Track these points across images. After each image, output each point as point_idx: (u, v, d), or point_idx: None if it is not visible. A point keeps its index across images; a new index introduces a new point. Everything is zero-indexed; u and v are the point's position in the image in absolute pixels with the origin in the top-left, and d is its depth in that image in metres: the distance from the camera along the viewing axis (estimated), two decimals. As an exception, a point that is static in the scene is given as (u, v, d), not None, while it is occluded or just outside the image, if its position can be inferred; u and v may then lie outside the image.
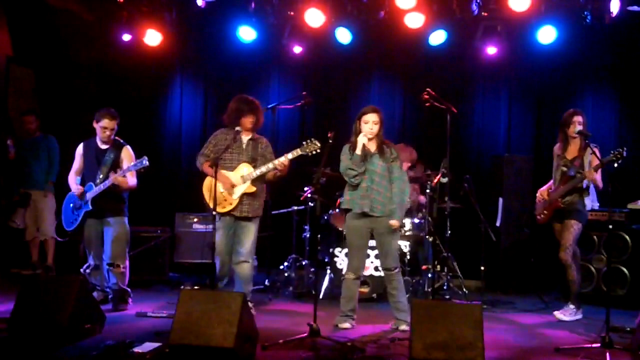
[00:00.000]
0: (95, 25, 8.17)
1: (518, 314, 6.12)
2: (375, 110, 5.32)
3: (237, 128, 5.59)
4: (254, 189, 5.58)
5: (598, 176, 5.62)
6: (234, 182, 5.56)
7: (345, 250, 6.45)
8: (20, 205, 7.49)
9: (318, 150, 5.42)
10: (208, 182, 5.70)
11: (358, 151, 5.22)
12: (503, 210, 7.52)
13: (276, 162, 5.52)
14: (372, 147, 5.34)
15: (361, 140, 5.23)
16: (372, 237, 5.44)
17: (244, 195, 5.58)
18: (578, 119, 5.78)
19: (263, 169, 5.56)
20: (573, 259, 5.77)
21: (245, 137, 5.70)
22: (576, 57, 7.85)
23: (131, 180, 5.80)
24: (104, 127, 5.75)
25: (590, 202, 5.89)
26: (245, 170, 5.59)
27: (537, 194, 6.09)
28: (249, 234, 5.65)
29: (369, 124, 5.26)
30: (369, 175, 5.26)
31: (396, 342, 4.70)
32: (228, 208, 5.55)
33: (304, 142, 5.49)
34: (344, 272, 6.19)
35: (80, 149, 5.97)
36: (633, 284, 6.51)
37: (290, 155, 5.50)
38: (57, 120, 7.97)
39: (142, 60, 8.38)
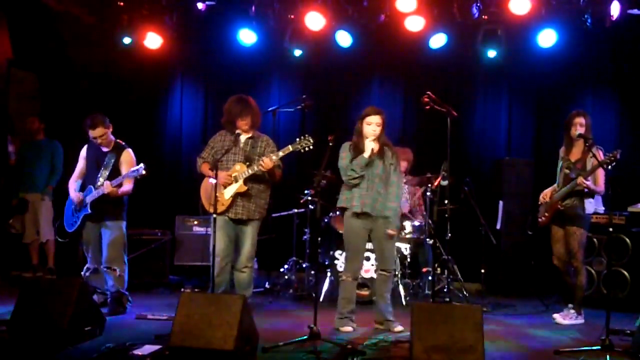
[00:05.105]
0: (96, 29, 8.17)
1: (518, 317, 6.11)
2: (378, 112, 5.25)
3: (237, 131, 5.58)
4: (245, 188, 5.44)
5: (589, 182, 5.49)
6: (226, 182, 5.43)
7: (346, 252, 6.45)
8: (18, 211, 7.49)
9: (311, 147, 5.28)
10: (204, 183, 5.69)
11: (366, 155, 5.16)
12: (503, 213, 7.53)
13: (260, 163, 5.37)
14: (374, 148, 5.28)
15: (370, 145, 5.18)
16: (368, 240, 5.41)
17: (238, 195, 5.46)
18: (580, 120, 5.69)
19: (255, 168, 5.41)
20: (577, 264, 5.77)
21: (244, 137, 5.64)
22: (576, 61, 7.87)
23: (125, 187, 5.69)
24: (93, 137, 5.73)
25: (594, 205, 5.83)
26: (237, 169, 5.48)
27: (540, 196, 6.05)
28: (247, 238, 5.55)
29: (372, 125, 5.21)
30: (369, 177, 5.21)
31: (397, 344, 4.70)
32: (221, 209, 5.41)
33: (297, 139, 5.34)
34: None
35: (83, 151, 5.96)
36: (633, 287, 6.51)
37: (281, 153, 5.39)
38: (59, 124, 7.98)
39: (143, 64, 8.39)
